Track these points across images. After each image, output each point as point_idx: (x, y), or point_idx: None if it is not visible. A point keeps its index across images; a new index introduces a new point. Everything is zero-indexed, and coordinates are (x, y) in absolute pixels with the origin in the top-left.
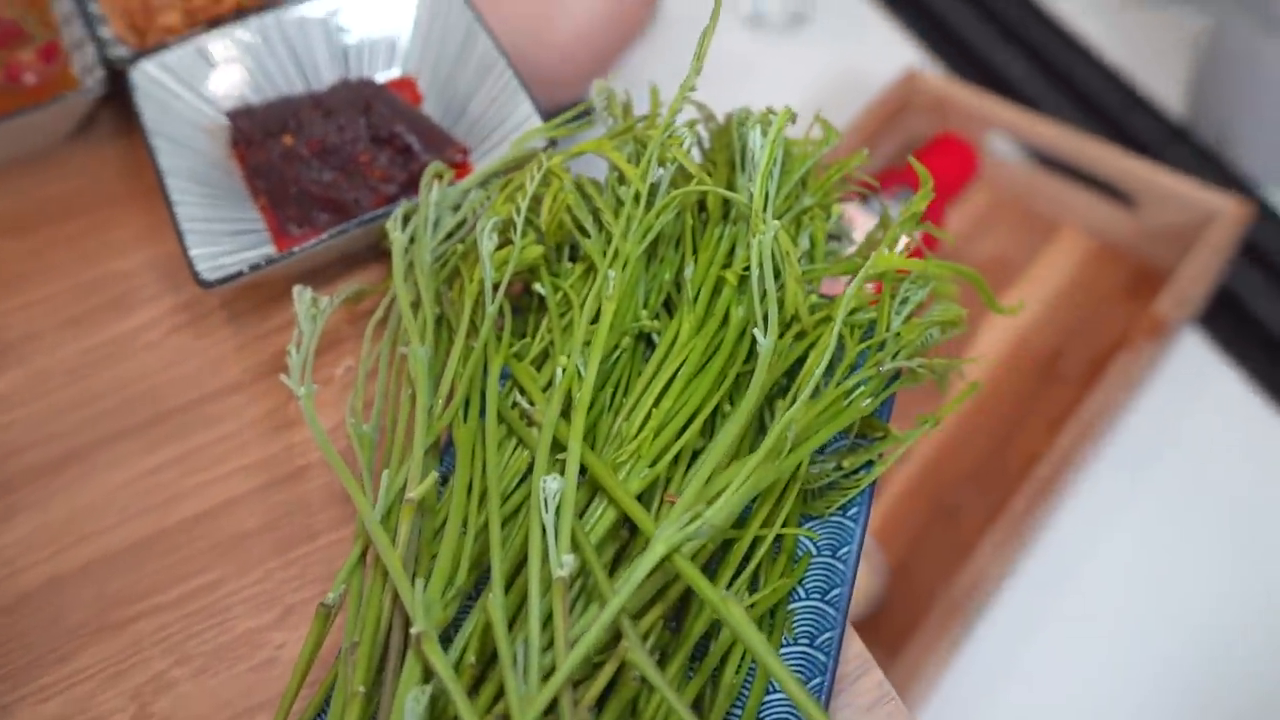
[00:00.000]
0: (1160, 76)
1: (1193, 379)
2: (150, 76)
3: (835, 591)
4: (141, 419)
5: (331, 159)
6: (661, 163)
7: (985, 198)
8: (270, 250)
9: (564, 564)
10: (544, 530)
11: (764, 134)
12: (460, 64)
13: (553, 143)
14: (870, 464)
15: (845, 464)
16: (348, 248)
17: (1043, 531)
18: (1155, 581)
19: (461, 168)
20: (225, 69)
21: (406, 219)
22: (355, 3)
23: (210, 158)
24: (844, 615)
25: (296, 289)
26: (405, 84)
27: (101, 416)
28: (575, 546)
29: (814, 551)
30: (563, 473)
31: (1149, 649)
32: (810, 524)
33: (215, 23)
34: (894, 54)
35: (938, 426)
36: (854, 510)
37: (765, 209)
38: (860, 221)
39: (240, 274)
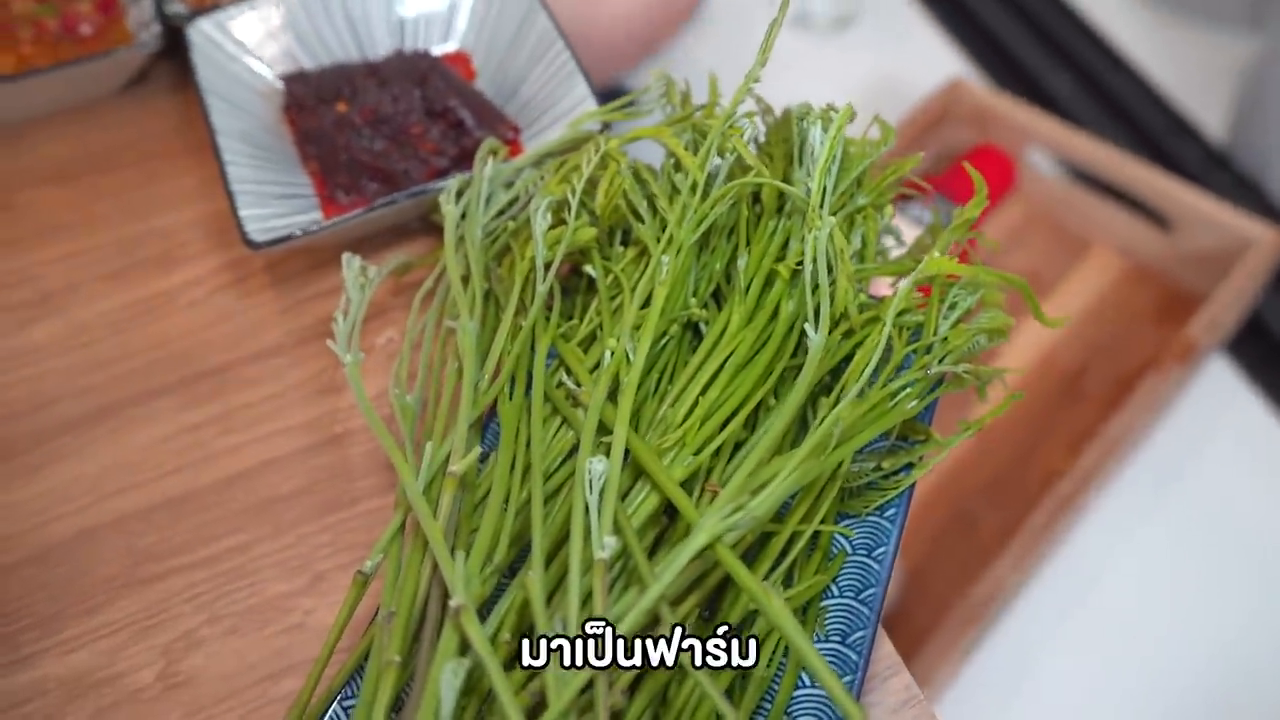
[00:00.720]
0: (1204, 101)
1: (1218, 404)
2: (207, 35)
3: (869, 591)
4: (181, 376)
5: (384, 129)
6: (720, 153)
7: (1021, 211)
8: (318, 215)
9: (605, 545)
10: (586, 511)
11: (824, 130)
12: (517, 43)
13: (606, 126)
14: (910, 466)
15: (885, 465)
16: (397, 218)
17: (1061, 547)
18: (1170, 602)
19: (512, 146)
20: (282, 33)
21: (459, 193)
22: None
23: (262, 120)
24: (877, 615)
25: (345, 256)
26: (460, 59)
27: (140, 371)
28: (617, 529)
29: (849, 550)
30: (607, 455)
31: (1161, 669)
32: (847, 522)
33: None
34: (938, 62)
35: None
36: (891, 511)
37: (821, 205)
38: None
39: (289, 237)
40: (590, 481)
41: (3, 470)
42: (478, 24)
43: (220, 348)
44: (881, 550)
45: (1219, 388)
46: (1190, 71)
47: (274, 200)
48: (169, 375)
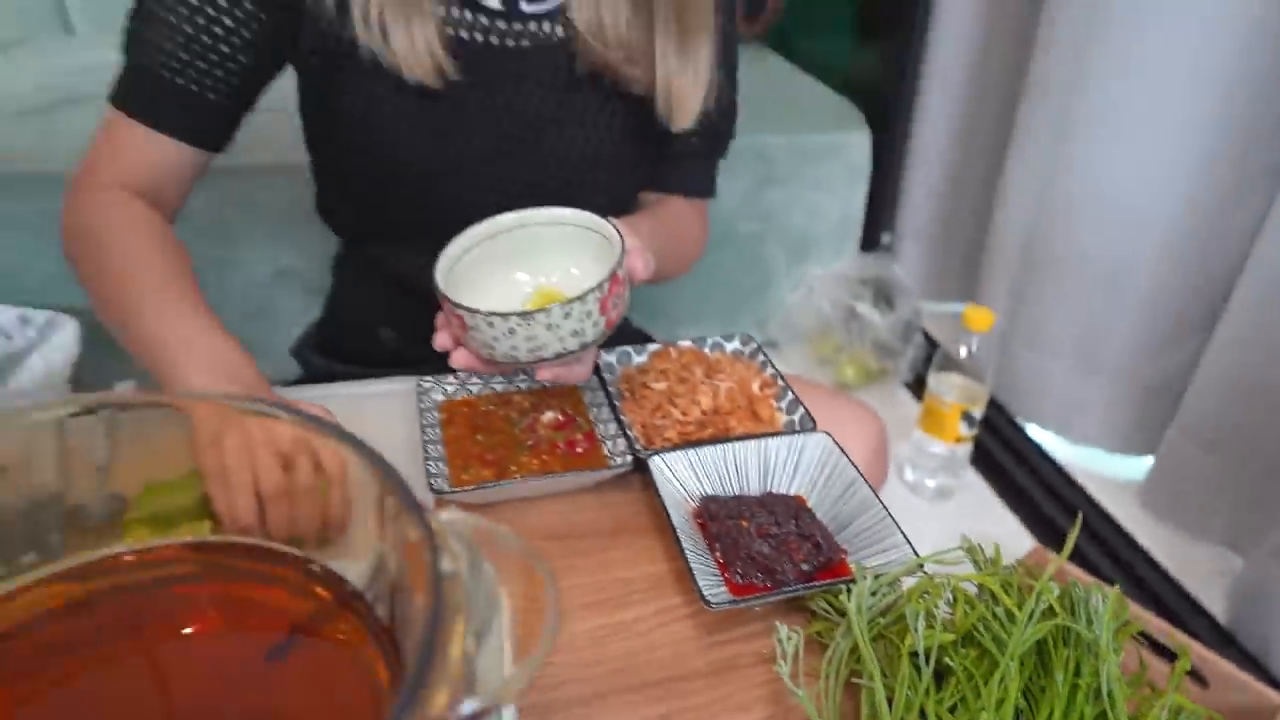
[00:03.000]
0: (1207, 593)
1: None
2: (658, 467)
3: None
4: (640, 681)
5: (770, 540)
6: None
7: None
8: (725, 589)
9: None
10: None
11: (1103, 600)
12: (845, 500)
13: (920, 565)
14: None
15: None
16: (778, 601)
17: None
18: None
19: (841, 564)
20: (696, 473)
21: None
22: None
23: (687, 525)
24: None
25: (776, 624)
26: (799, 500)
27: (608, 675)
28: None
29: None
30: None
31: None
32: None
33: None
34: (1010, 529)
35: None
36: None
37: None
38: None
39: (738, 601)
40: None
41: None
42: (813, 482)
43: (664, 664)
44: None
45: None
46: (1193, 571)
47: (705, 574)
48: (630, 679)
